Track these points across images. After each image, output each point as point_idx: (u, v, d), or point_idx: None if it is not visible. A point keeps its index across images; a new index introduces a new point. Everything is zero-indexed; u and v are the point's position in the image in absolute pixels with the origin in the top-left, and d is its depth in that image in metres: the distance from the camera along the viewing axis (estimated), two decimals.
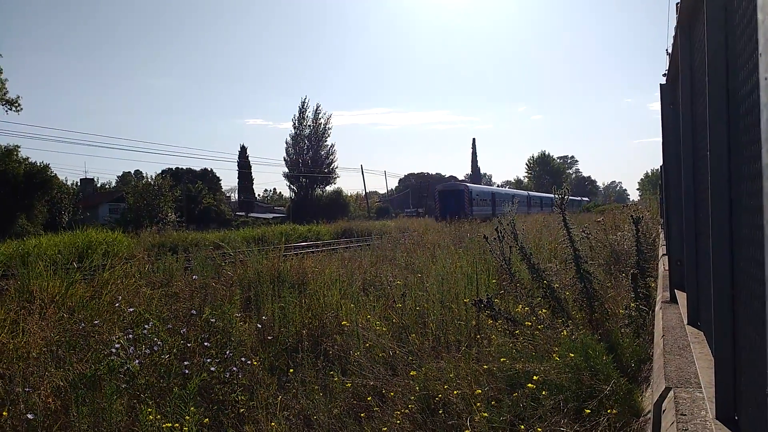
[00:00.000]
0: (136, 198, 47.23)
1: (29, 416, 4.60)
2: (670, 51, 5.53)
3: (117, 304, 7.46)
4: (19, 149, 40.21)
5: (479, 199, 49.58)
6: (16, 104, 40.93)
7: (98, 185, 72.46)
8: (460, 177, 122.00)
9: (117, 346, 5.58)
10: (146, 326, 6.16)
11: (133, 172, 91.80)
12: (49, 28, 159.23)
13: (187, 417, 4.63)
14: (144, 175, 75.89)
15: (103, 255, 16.85)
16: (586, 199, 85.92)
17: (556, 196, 7.11)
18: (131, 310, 7.06)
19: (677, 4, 4.44)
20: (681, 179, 4.36)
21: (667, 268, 5.92)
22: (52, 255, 15.75)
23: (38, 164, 41.99)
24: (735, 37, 2.07)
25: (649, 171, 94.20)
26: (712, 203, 2.39)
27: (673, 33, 4.53)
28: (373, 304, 8.08)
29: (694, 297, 4.01)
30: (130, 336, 5.91)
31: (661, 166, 10.64)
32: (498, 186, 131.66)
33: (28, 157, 41.67)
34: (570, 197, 8.67)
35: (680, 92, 4.09)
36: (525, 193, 65.06)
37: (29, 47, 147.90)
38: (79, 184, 62.81)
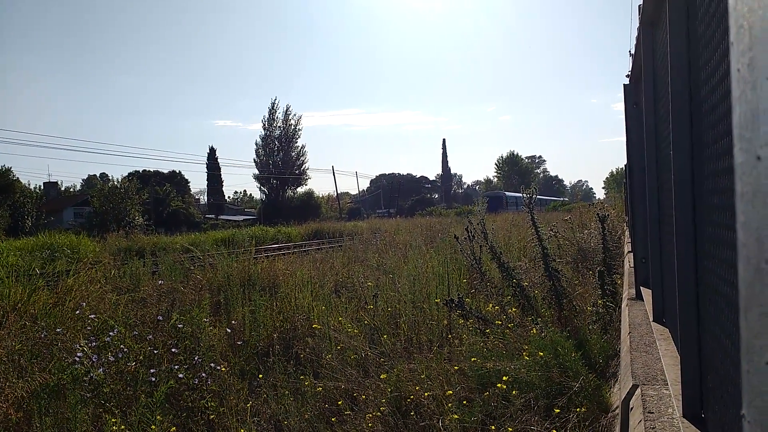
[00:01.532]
0: (102, 201, 46.15)
1: None
2: (633, 52, 5.61)
3: (79, 311, 7.28)
4: None
5: (511, 202, 67.01)
6: None
7: (62, 189, 70.72)
8: (431, 177, 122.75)
9: (80, 354, 5.43)
10: (111, 333, 6.01)
11: (98, 175, 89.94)
12: (8, 26, 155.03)
13: (153, 426, 4.53)
14: (110, 178, 74.28)
15: (67, 260, 16.45)
16: (566, 199, 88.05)
17: (524, 195, 7.18)
18: (93, 316, 6.89)
19: (639, 5, 4.50)
20: (645, 178, 4.43)
21: (632, 265, 6.01)
22: (13, 261, 15.31)
23: (0, 168, 40.85)
24: (697, 37, 2.10)
25: (614, 170, 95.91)
26: (676, 201, 2.42)
27: (635, 35, 4.60)
28: (345, 306, 8.04)
29: (659, 294, 4.07)
30: (94, 344, 5.76)
31: (625, 165, 10.83)
32: (468, 186, 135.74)
33: None
34: (539, 196, 8.83)
35: (643, 92, 4.15)
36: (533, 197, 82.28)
37: None
38: (42, 187, 61.23)
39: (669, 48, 2.35)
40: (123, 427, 4.56)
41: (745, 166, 0.40)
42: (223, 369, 5.90)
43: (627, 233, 11.76)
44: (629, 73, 6.17)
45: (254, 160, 72.10)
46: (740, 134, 0.41)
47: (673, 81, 2.31)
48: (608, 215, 8.70)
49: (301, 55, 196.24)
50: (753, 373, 0.40)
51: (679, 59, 2.26)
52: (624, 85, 5.59)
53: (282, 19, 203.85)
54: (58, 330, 6.51)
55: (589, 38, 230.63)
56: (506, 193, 77.75)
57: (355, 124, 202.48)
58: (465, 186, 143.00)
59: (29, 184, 53.33)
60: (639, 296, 5.16)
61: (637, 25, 4.27)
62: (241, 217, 67.22)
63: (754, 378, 0.40)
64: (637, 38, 4.34)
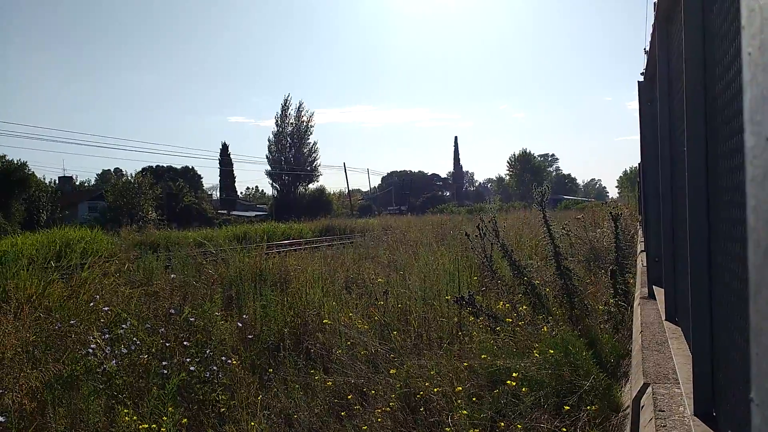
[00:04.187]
0: (116, 196, 46.65)
1: (0, 419, 4.50)
2: (647, 50, 5.57)
3: (92, 304, 7.36)
4: None
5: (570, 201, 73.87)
6: None
7: (77, 183, 71.46)
8: (443, 174, 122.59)
9: (93, 346, 5.49)
10: (124, 326, 6.07)
11: (112, 169, 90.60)
12: (26, 23, 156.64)
13: (165, 418, 4.57)
14: (124, 172, 74.97)
15: (81, 254, 16.63)
16: (592, 199, 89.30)
17: (536, 194, 7.14)
18: (106, 309, 6.96)
19: (655, 3, 4.47)
20: (659, 176, 4.40)
21: (645, 264, 5.98)
22: (29, 254, 15.49)
23: (15, 162, 41.28)
24: (712, 33, 2.08)
25: (628, 169, 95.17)
26: (690, 198, 2.41)
27: (650, 32, 4.57)
28: (355, 302, 8.06)
29: (671, 293, 4.05)
30: (107, 336, 5.82)
31: (639, 164, 10.77)
32: (480, 184, 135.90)
33: (4, 155, 40.95)
34: (564, 196, 8.81)
35: (658, 89, 4.12)
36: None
37: (4, 43, 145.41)
38: (57, 182, 61.87)
39: (684, 43, 2.33)
40: (135, 418, 4.60)
41: (756, 149, 0.40)
42: (234, 363, 5.94)
43: (640, 232, 11.69)
44: (644, 71, 6.13)
45: (266, 156, 72.41)
46: (751, 117, 0.41)
47: (688, 77, 2.30)
48: (621, 214, 8.65)
49: (314, 52, 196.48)
50: (762, 356, 0.40)
51: (694, 54, 2.24)
52: (638, 82, 5.55)
53: (295, 16, 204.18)
54: (72, 322, 6.59)
55: (604, 35, 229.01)
56: (564, 196, 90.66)
57: (366, 121, 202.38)
58: (477, 184, 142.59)
59: (44, 179, 53.87)
60: (651, 295, 5.13)
61: (653, 21, 4.24)
62: (253, 213, 67.52)
63: (763, 361, 0.40)
64: (652, 34, 4.31)
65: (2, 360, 5.70)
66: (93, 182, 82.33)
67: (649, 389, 2.87)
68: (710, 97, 2.15)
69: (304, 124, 72.74)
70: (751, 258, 0.42)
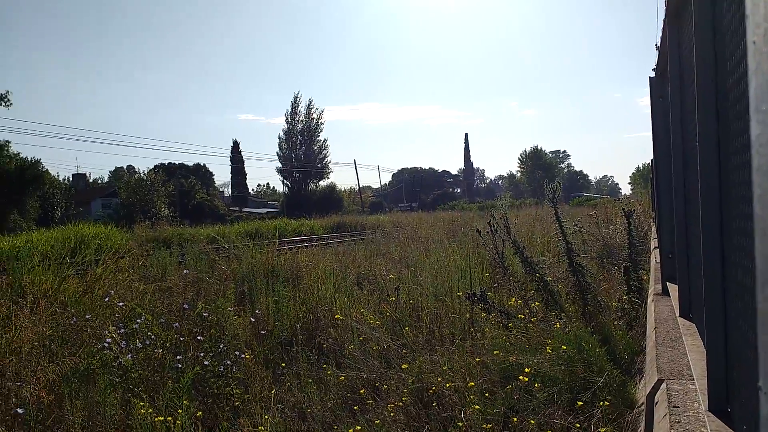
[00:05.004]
0: (129, 193, 47.09)
1: (19, 411, 4.58)
2: (659, 45, 5.54)
3: (107, 299, 7.44)
4: (10, 144, 39.73)
5: None
6: (6, 99, 40.23)
7: (90, 180, 72.05)
8: (454, 171, 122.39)
9: (109, 340, 5.56)
10: (138, 321, 6.14)
11: (125, 167, 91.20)
12: (41, 23, 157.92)
13: (180, 411, 4.62)
14: (137, 170, 75.46)
15: (96, 250, 16.77)
16: (605, 195, 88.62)
17: (547, 190, 7.12)
18: (121, 304, 7.04)
19: None
20: (671, 172, 4.37)
21: (658, 260, 5.95)
22: (44, 250, 15.66)
23: (30, 159, 41.65)
24: (723, 28, 2.07)
25: (641, 165, 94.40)
26: (702, 194, 2.40)
27: (661, 28, 4.54)
28: (367, 298, 8.08)
29: (685, 289, 4.03)
30: (122, 330, 5.89)
31: (651, 160, 10.70)
32: (491, 180, 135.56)
33: (19, 153, 41.30)
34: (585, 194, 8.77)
35: (669, 84, 4.10)
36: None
37: (20, 41, 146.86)
38: (71, 179, 62.43)
39: (694, 39, 2.32)
40: (151, 411, 4.66)
41: (762, 137, 0.41)
42: (248, 357, 5.99)
43: (653, 229, 11.61)
44: (655, 66, 6.09)
45: (277, 153, 72.64)
46: (757, 106, 0.41)
47: (699, 72, 2.29)
48: (634, 210, 8.60)
49: (323, 50, 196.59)
50: None
51: (704, 50, 2.23)
52: (650, 78, 5.52)
53: (303, 14, 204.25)
54: (88, 317, 6.67)
55: (613, 32, 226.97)
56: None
57: (376, 118, 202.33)
58: (488, 180, 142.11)
59: (58, 176, 54.47)
60: (665, 292, 5.11)
61: (663, 17, 4.22)
62: (265, 210, 67.75)
63: None
64: (663, 30, 4.28)
65: (20, 353, 5.78)
66: (106, 179, 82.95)
67: (664, 385, 2.87)
68: (721, 92, 2.14)
69: (314, 121, 72.87)
70: (758, 247, 0.42)
